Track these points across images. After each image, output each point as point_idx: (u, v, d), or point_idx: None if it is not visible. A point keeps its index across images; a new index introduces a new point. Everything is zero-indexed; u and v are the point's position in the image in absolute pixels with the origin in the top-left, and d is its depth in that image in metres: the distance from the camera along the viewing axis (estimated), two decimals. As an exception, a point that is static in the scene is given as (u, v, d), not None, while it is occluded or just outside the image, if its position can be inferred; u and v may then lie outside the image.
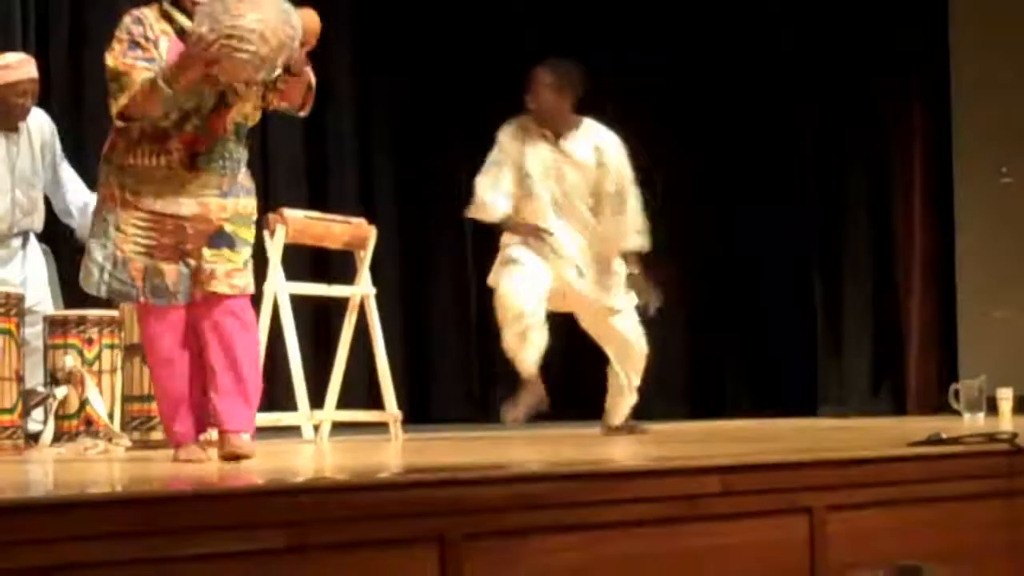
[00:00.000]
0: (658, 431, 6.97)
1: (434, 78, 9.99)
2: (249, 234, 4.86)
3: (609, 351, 6.87)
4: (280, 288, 6.76)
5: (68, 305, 6.70)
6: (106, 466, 5.05)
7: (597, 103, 6.94)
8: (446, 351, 10.28)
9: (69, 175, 6.74)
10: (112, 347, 6.29)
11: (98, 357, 6.24)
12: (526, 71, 6.78)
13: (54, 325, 6.31)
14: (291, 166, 9.58)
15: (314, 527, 2.91)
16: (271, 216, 6.66)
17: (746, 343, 10.65)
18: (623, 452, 5.08)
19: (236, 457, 4.64)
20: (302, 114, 4.95)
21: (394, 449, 5.88)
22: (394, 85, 10.00)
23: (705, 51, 10.31)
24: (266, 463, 4.58)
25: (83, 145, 7.44)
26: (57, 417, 6.18)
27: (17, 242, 6.66)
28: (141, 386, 6.27)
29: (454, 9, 10.12)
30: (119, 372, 6.29)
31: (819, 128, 10.43)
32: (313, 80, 4.85)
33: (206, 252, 4.75)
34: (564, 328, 6.92)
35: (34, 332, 6.39)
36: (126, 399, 6.30)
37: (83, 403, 6.17)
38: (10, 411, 6.02)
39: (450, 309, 10.26)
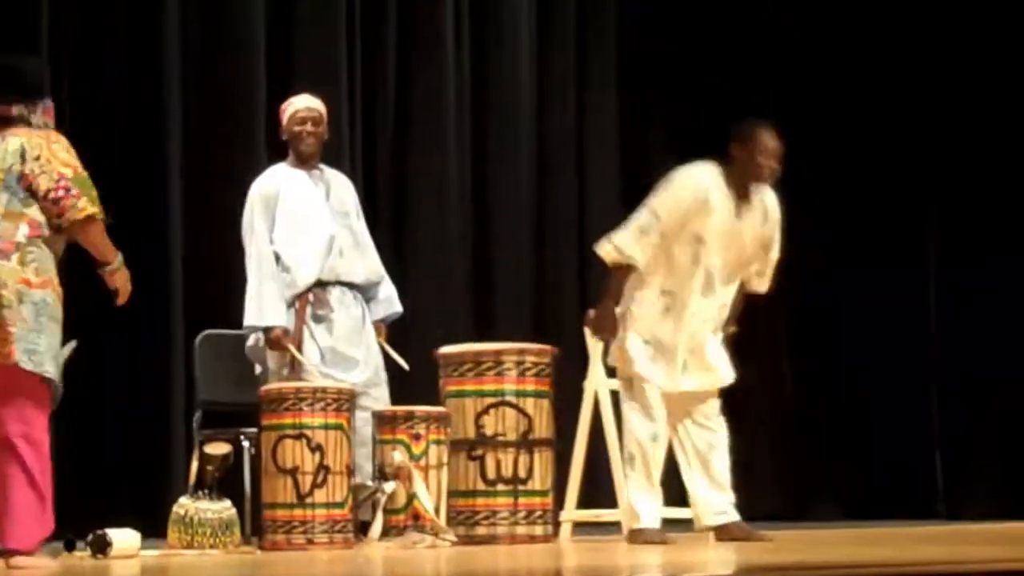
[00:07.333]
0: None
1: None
2: None
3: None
4: (600, 384, 6.78)
5: (394, 400, 6.86)
6: (433, 561, 5.12)
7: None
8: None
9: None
10: (439, 443, 6.39)
11: (425, 452, 6.36)
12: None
13: (383, 420, 6.45)
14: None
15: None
16: (591, 312, 6.67)
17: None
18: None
19: None
20: None
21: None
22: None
23: None
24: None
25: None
26: (385, 511, 6.31)
27: (357, 307, 6.82)
28: (467, 481, 6.37)
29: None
30: (445, 467, 6.39)
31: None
32: None
33: None
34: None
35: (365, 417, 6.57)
36: (451, 494, 6.39)
37: (411, 498, 6.28)
38: (341, 505, 6.20)
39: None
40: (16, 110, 5.21)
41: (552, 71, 9.35)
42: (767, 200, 6.24)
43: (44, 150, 5.13)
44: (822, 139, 9.76)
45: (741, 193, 6.13)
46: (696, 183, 6.08)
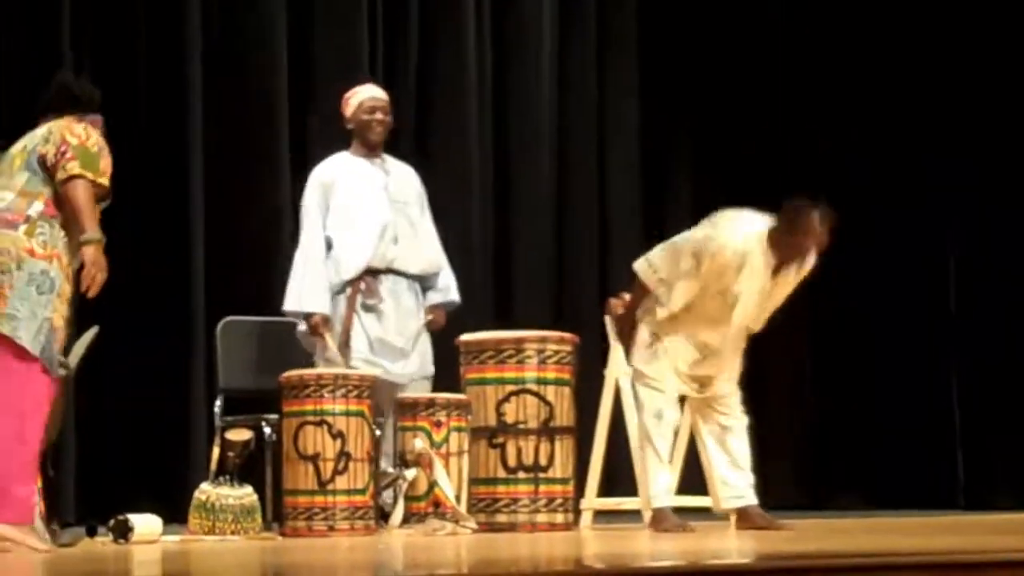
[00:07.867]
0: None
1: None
2: None
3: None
4: (621, 373, 6.77)
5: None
6: (454, 548, 5.13)
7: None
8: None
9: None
10: (460, 430, 6.40)
11: (446, 440, 6.37)
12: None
13: (403, 407, 6.47)
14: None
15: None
16: (612, 301, 6.69)
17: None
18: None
19: None
20: None
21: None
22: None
23: None
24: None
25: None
26: (406, 498, 6.32)
27: (411, 297, 6.84)
28: (487, 468, 6.38)
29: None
30: (466, 455, 6.40)
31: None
32: None
33: None
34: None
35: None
36: (472, 481, 6.40)
37: (431, 485, 6.30)
38: (362, 491, 6.21)
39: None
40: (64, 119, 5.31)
41: (572, 63, 9.34)
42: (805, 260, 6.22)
43: (64, 130, 5.19)
44: (842, 121, 9.78)
45: (781, 261, 6.10)
46: (737, 245, 6.02)
